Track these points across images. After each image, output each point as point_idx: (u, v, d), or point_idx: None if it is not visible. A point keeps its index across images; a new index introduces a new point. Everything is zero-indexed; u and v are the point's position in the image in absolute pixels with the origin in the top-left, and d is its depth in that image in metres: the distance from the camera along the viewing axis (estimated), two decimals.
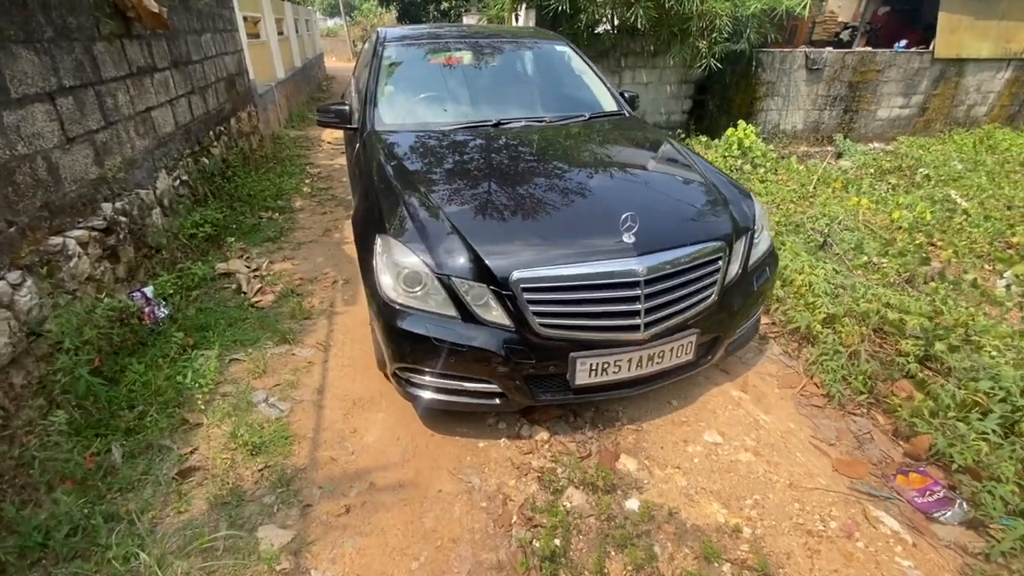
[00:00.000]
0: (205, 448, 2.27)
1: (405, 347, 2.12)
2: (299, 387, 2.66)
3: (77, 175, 2.81)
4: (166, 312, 3.03)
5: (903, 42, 8.43)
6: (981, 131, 8.61)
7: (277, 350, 2.93)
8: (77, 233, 2.69)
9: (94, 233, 2.82)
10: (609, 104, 3.48)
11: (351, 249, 4.21)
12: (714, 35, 6.75)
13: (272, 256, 4.06)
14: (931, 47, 8.14)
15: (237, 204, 4.83)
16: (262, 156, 6.34)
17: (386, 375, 2.63)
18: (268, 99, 7.76)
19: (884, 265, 4.11)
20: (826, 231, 4.34)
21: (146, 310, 3.00)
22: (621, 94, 3.60)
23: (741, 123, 6.62)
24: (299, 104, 10.34)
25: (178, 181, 4.11)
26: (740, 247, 2.35)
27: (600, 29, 7.44)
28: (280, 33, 9.63)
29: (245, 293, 3.45)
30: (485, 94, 3.42)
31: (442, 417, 2.44)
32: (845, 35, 11.85)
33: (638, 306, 2.06)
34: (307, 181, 5.96)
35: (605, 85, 3.61)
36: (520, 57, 3.70)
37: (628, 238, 2.09)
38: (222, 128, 5.52)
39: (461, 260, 2.05)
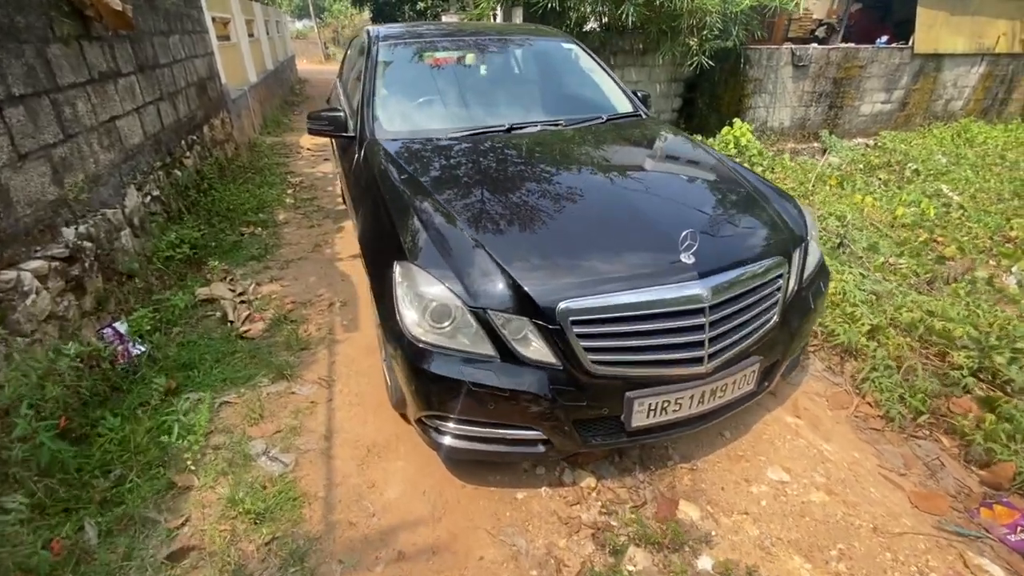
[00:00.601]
0: (198, 517, 1.90)
1: (435, 393, 1.80)
2: (303, 433, 2.30)
3: (32, 197, 2.39)
4: (143, 349, 2.63)
5: (884, 38, 8.40)
6: (958, 125, 8.65)
7: (274, 389, 2.56)
8: (34, 265, 2.29)
9: (55, 263, 2.41)
10: (624, 104, 3.20)
11: (346, 266, 3.84)
12: (705, 32, 6.56)
13: (258, 277, 3.67)
14: (910, 43, 8.12)
15: (216, 220, 4.40)
16: (239, 166, 5.88)
17: (402, 415, 2.31)
18: (241, 104, 7.27)
19: (902, 266, 3.95)
20: (842, 232, 4.15)
21: (119, 348, 2.61)
22: (634, 93, 3.33)
23: (737, 121, 6.44)
24: (273, 108, 9.81)
25: (149, 197, 3.68)
26: (797, 260, 2.11)
27: (588, 27, 7.18)
28: (251, 35, 9.10)
29: (232, 322, 3.06)
30: (492, 96, 3.10)
31: (471, 463, 2.13)
32: (820, 32, 11.86)
33: (702, 336, 1.78)
34: (289, 191, 5.53)
35: (617, 84, 3.33)
36: (527, 56, 3.39)
37: (687, 258, 1.81)
38: (195, 137, 5.06)
39: (497, 289, 1.74)
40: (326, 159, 6.88)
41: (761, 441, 2.24)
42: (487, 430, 1.85)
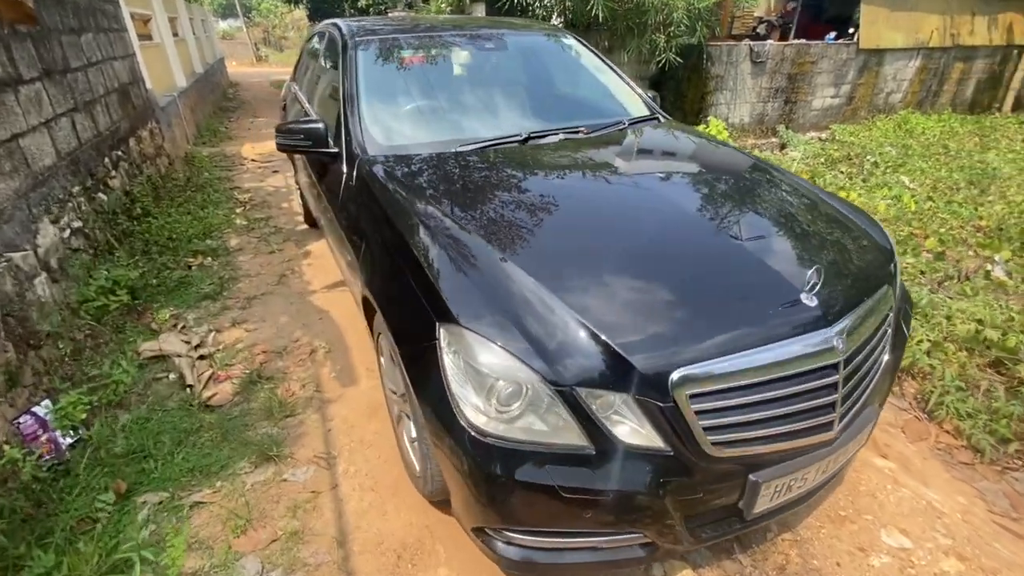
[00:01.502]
0: None
1: (510, 503, 1.33)
2: (308, 539, 1.76)
3: None
4: (77, 436, 1.99)
5: (832, 34, 8.53)
6: (898, 117, 8.94)
7: (259, 477, 1.99)
8: None
9: None
10: (638, 106, 2.80)
11: (322, 300, 3.25)
12: (671, 28, 6.33)
13: (217, 321, 3.02)
14: (855, 38, 8.27)
15: (155, 251, 3.66)
16: (176, 184, 5.07)
17: (432, 503, 1.82)
18: (171, 112, 6.37)
19: (908, 266, 3.81)
20: None
21: (42, 438, 1.96)
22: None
23: (712, 119, 6.26)
24: (206, 116, 8.81)
25: (68, 231, 2.95)
26: (898, 281, 1.79)
27: (552, 23, 6.80)
28: (175, 34, 8.10)
29: (191, 386, 2.44)
30: (497, 100, 2.62)
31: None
32: (761, 29, 12.05)
33: (834, 396, 1.41)
34: (238, 211, 4.80)
35: (627, 83, 2.94)
36: (526, 54, 2.92)
37: (809, 299, 1.43)
38: (120, 153, 4.26)
39: (587, 358, 1.29)
40: (275, 171, 6.13)
41: (860, 495, 1.91)
42: (573, 540, 1.40)
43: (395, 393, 1.94)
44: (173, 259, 3.63)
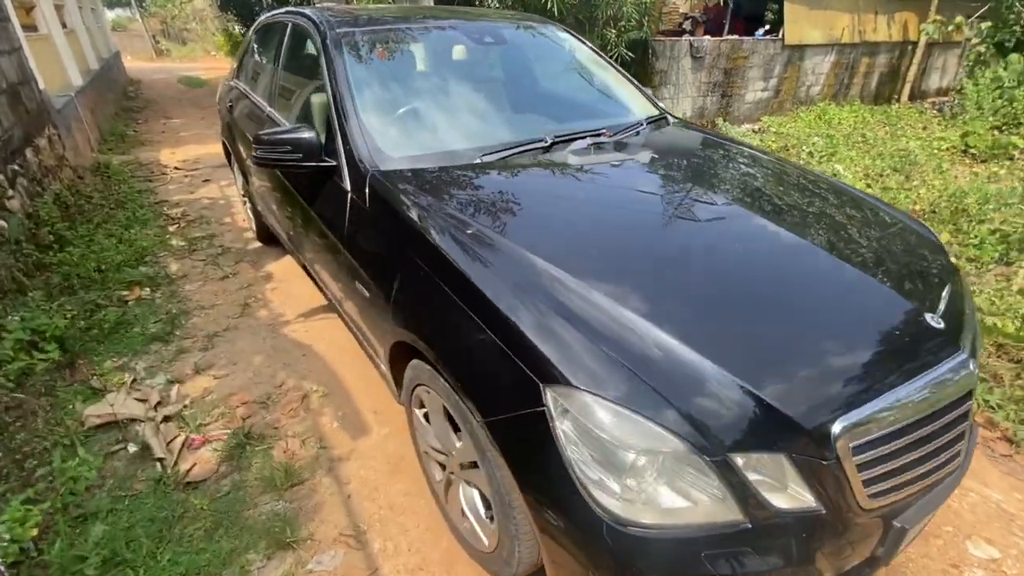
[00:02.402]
0: None
1: None
2: None
3: None
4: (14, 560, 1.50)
5: (761, 31, 8.87)
6: (817, 108, 9.49)
7: (275, 572, 1.60)
8: None
9: None
10: (645, 104, 2.61)
11: (301, 331, 2.81)
12: (622, 23, 6.25)
13: (174, 368, 2.51)
14: (780, 34, 8.65)
15: (80, 286, 3.02)
16: (90, 201, 4.29)
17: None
18: (70, 115, 5.44)
19: None
20: None
21: None
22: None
23: None
24: (109, 118, 7.70)
25: None
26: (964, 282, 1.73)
27: None
28: (63, 25, 6.97)
29: (161, 460, 1.96)
30: (505, 100, 2.33)
31: None
32: (687, 25, 12.41)
33: (967, 421, 1.29)
34: (172, 229, 4.14)
35: (630, 81, 2.74)
36: (524, 49, 2.62)
37: (936, 322, 1.29)
38: (17, 167, 3.51)
39: (738, 417, 1.06)
40: (207, 180, 5.41)
41: None
42: None
43: (441, 453, 1.62)
44: (104, 294, 3.01)
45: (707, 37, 8.09)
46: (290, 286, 3.28)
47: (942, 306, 1.32)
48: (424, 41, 2.34)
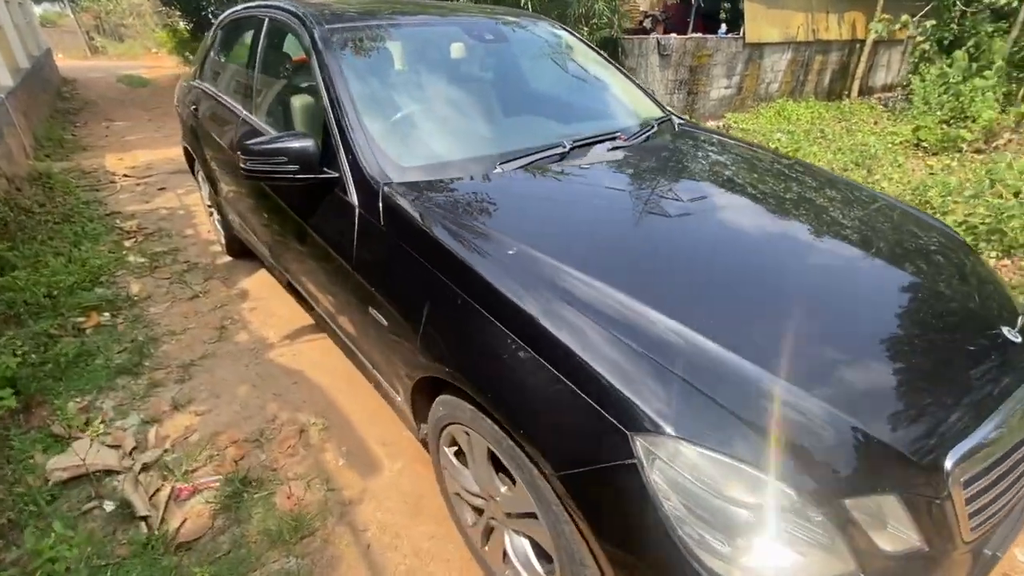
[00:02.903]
0: None
1: None
2: None
3: None
4: None
5: (723, 28, 8.99)
6: (776, 105, 9.74)
7: None
8: None
9: None
10: (650, 106, 2.50)
11: (288, 355, 2.56)
12: (594, 20, 6.17)
13: (148, 406, 2.23)
14: (741, 32, 8.80)
15: (28, 315, 2.67)
16: (32, 216, 3.85)
17: None
18: (1, 119, 4.91)
19: None
20: None
21: None
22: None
23: None
24: (43, 121, 7.04)
25: None
26: None
27: None
28: None
29: (145, 518, 1.71)
30: (511, 102, 2.17)
31: None
32: (647, 23, 12.51)
33: None
34: (128, 244, 3.76)
35: (632, 81, 2.62)
36: (525, 47, 2.45)
37: (1014, 335, 1.23)
38: None
39: (851, 460, 0.97)
40: (162, 188, 4.99)
41: None
42: None
43: (479, 497, 1.46)
44: (57, 323, 2.67)
45: (673, 36, 8.14)
46: (269, 304, 3.01)
47: (1020, 320, 1.26)
48: (421, 38, 2.15)
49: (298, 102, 1.96)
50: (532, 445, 1.09)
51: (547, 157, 1.78)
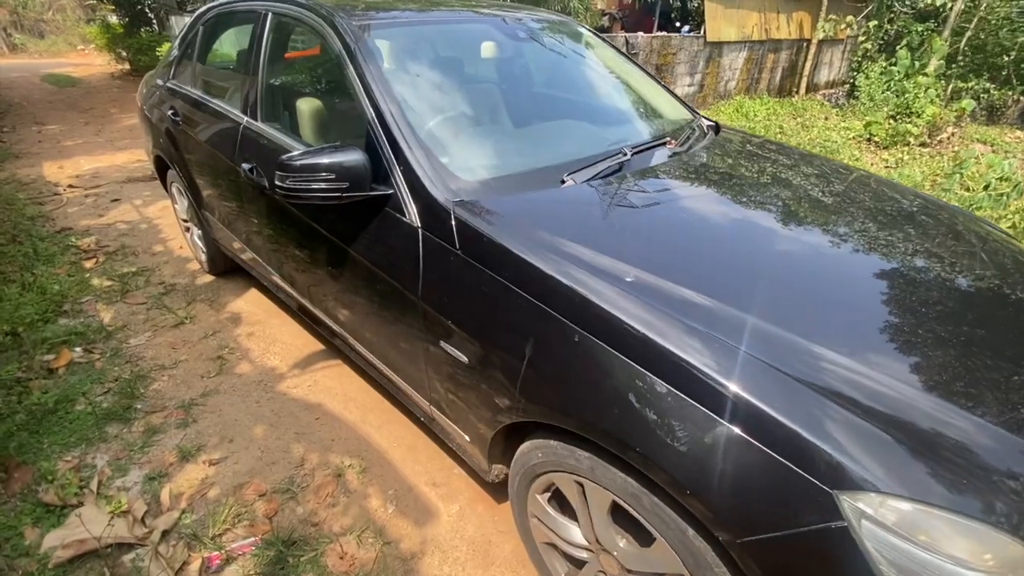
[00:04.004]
0: None
1: None
2: None
3: None
4: None
5: (686, 28, 9.11)
6: (735, 102, 9.99)
7: None
8: None
9: None
10: (678, 107, 2.40)
11: (304, 386, 2.29)
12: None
13: (151, 457, 1.93)
14: (702, 32, 8.95)
15: None
16: None
17: None
18: None
19: None
20: None
21: None
22: None
23: None
24: None
25: None
26: None
27: None
28: None
29: None
30: (557, 105, 2.01)
31: None
32: (605, 21, 12.55)
33: None
34: (88, 264, 3.33)
35: (657, 80, 2.51)
36: (557, 47, 2.27)
37: None
38: None
39: None
40: (116, 199, 4.49)
41: None
42: None
43: (586, 549, 1.30)
44: (23, 365, 2.29)
45: (640, 34, 8.16)
46: (268, 329, 2.72)
47: None
48: (456, 37, 1.95)
49: (326, 109, 1.72)
50: (704, 507, 0.94)
51: (609, 166, 1.64)
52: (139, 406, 2.18)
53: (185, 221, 3.23)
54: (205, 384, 2.32)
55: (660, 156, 1.78)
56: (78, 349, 2.50)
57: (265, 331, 2.70)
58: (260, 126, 2.01)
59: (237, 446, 2.00)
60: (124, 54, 10.88)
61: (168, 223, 3.97)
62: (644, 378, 1.00)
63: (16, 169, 5.17)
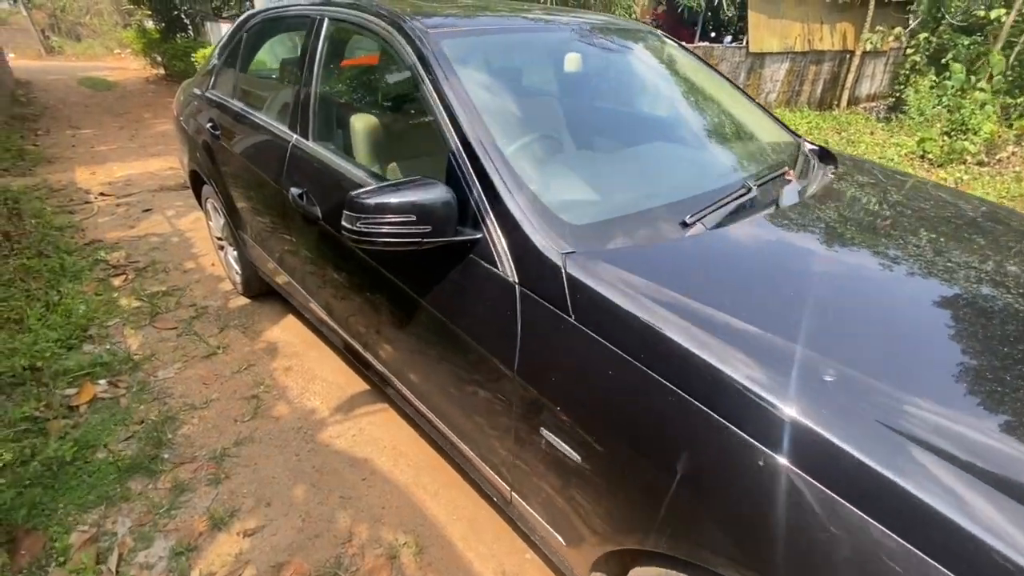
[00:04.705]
0: None
1: None
2: None
3: None
4: None
5: (728, 38, 8.77)
6: (776, 114, 9.61)
7: None
8: None
9: None
10: (779, 131, 2.09)
11: (348, 436, 2.02)
12: None
13: (176, 522, 1.67)
14: (745, 43, 8.60)
15: (1, 394, 2.05)
16: None
17: None
18: None
19: None
20: None
21: None
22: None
23: None
24: None
25: None
26: None
27: None
28: None
29: None
30: (657, 129, 1.72)
31: None
32: None
33: None
34: (117, 282, 3.12)
35: (749, 97, 2.21)
36: (640, 60, 1.98)
37: None
38: None
39: None
40: (147, 209, 4.32)
41: None
42: None
43: None
44: (41, 404, 2.06)
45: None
46: (306, 363, 2.46)
47: None
48: (543, 51, 1.68)
49: (391, 130, 1.46)
50: None
51: (739, 202, 1.33)
52: (166, 455, 1.93)
53: (219, 239, 3.00)
54: (239, 430, 2.06)
55: (790, 194, 1.47)
56: (102, 382, 2.27)
57: (303, 365, 2.45)
58: (312, 146, 1.74)
59: (275, 512, 1.73)
60: (159, 59, 10.91)
61: (200, 237, 3.77)
62: (889, 544, 0.69)
63: (48, 174, 5.04)
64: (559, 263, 1.07)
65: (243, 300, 2.96)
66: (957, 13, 9.57)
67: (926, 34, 9.20)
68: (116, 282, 3.12)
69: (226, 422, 2.10)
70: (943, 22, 9.40)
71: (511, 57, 1.58)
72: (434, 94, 1.33)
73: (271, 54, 2.27)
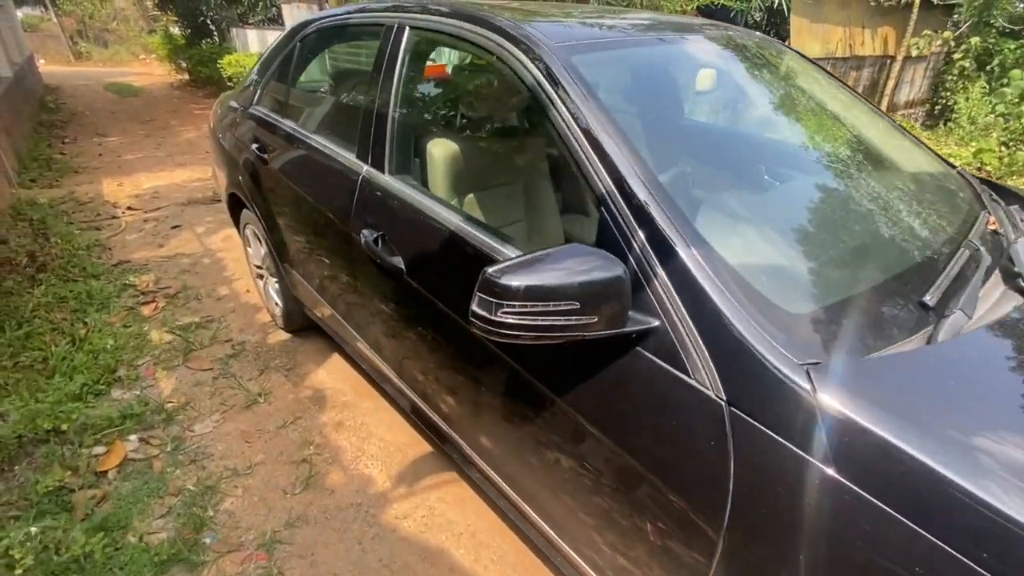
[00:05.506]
0: None
1: None
2: None
3: None
4: None
5: None
6: None
7: None
8: None
9: None
10: (935, 161, 1.72)
11: (417, 514, 1.70)
12: None
13: None
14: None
15: (22, 458, 1.76)
16: (19, 272, 2.90)
17: None
18: None
19: None
20: None
21: None
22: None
23: None
24: (26, 137, 6.00)
25: None
26: None
27: None
28: None
29: None
30: (837, 170, 1.37)
31: None
32: None
33: None
34: (146, 311, 2.84)
35: (888, 119, 1.84)
36: (780, 80, 1.63)
37: None
38: None
39: None
40: (176, 225, 4.05)
41: None
42: None
43: None
44: (67, 472, 1.76)
45: None
46: (359, 416, 2.15)
47: None
48: (680, 67, 1.33)
49: (500, 166, 1.13)
50: None
51: (977, 277, 0.98)
52: (207, 540, 1.62)
53: (258, 267, 2.71)
54: (289, 505, 1.75)
55: (1019, 253, 1.12)
56: (133, 438, 1.98)
57: (356, 419, 2.13)
58: (390, 182, 1.42)
59: None
60: (184, 65, 10.76)
61: (232, 258, 3.49)
62: None
63: (75, 186, 4.81)
64: (802, 382, 0.73)
65: (283, 335, 2.66)
66: (1003, 15, 9.07)
67: (978, 38, 8.70)
68: (145, 311, 2.84)
69: (274, 494, 1.79)
70: (993, 25, 8.89)
71: (654, 77, 1.24)
72: (571, 122, 1.00)
73: (334, 68, 1.96)
